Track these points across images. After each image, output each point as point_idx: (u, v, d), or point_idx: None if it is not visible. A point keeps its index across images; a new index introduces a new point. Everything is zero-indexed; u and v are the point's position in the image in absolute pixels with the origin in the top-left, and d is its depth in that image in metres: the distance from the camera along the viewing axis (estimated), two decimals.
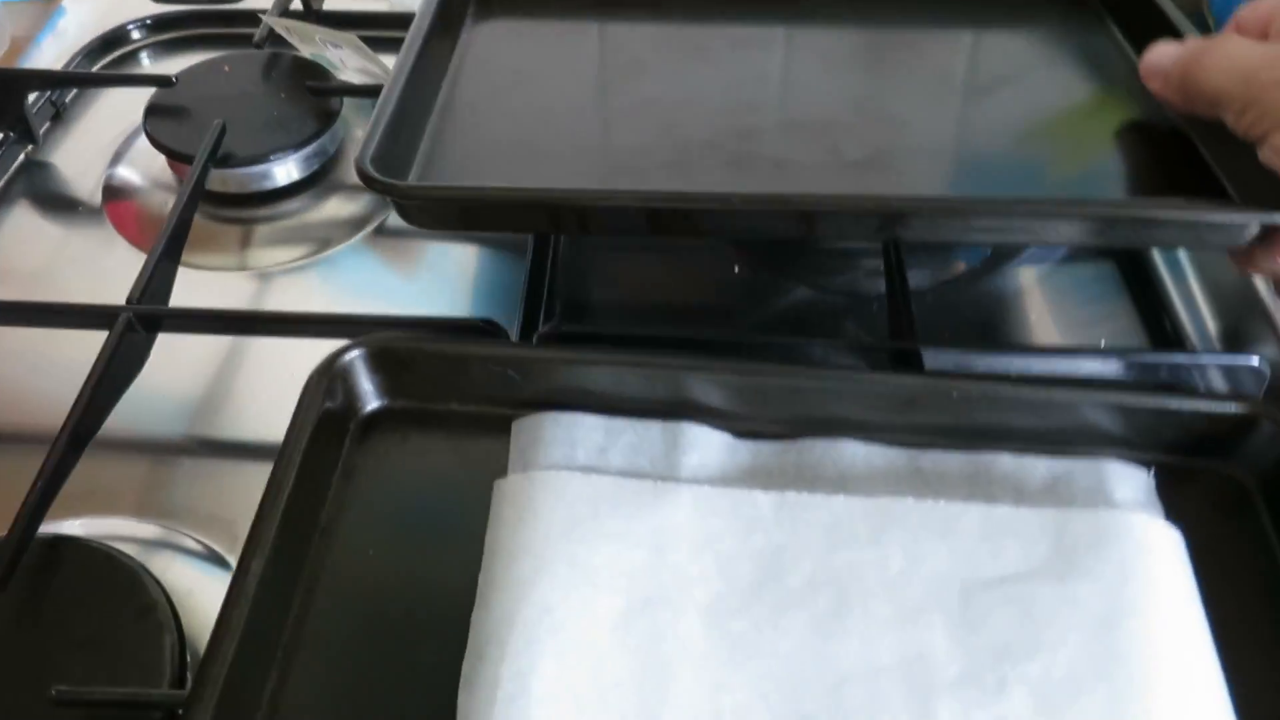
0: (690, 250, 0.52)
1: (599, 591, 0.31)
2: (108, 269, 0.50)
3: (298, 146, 0.52)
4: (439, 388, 0.37)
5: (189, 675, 0.34)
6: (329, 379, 0.35)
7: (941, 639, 0.31)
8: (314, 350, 0.38)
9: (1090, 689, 0.29)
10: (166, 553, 0.39)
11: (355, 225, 0.53)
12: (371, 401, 0.37)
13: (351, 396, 0.37)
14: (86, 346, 0.41)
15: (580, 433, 0.36)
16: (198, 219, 0.51)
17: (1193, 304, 0.48)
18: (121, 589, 0.35)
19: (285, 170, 0.53)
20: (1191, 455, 0.36)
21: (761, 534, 0.33)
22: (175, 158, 0.51)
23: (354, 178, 0.54)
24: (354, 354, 0.36)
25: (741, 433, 0.37)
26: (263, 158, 0.52)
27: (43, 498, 0.36)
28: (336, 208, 0.54)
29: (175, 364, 0.45)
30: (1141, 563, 0.32)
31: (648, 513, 0.33)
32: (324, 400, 0.35)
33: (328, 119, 0.53)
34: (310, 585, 0.33)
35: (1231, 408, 0.36)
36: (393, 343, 0.36)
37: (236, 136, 0.52)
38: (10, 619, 0.34)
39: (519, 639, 0.30)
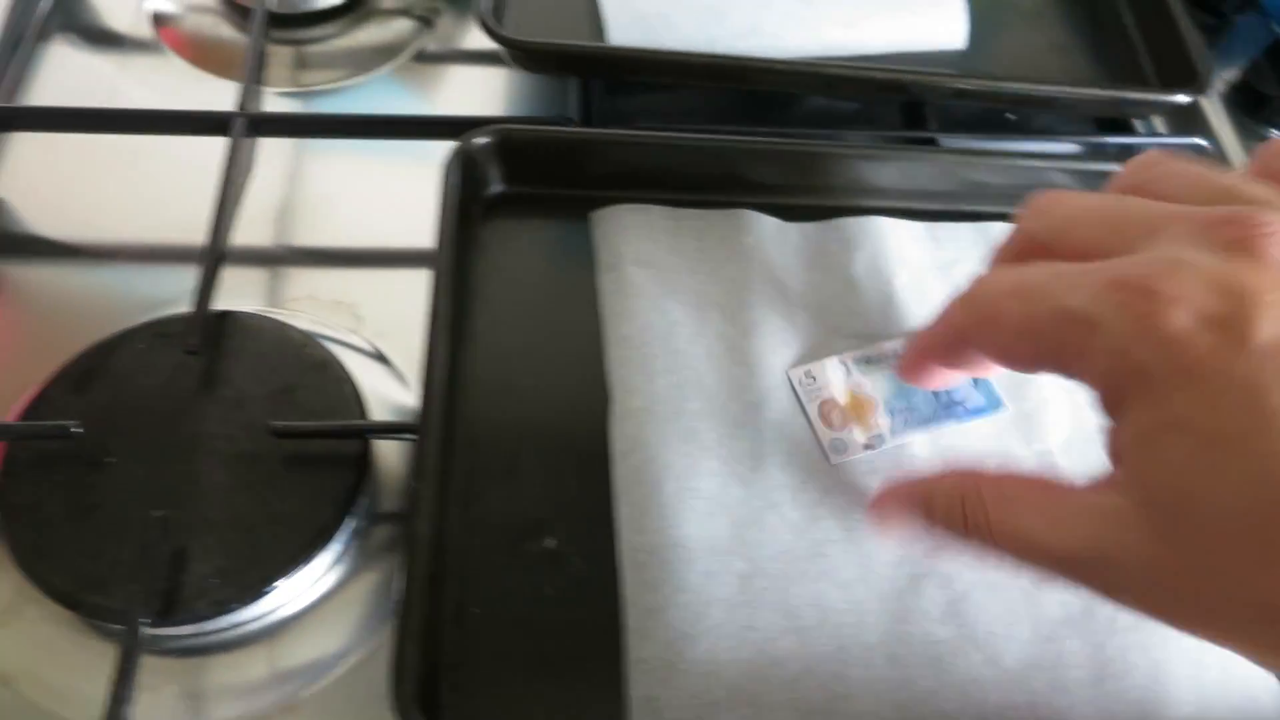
0: None
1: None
2: (175, 89, 0.53)
3: None
4: (548, 173, 0.44)
5: (373, 416, 0.40)
6: (463, 161, 0.41)
7: None
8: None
9: None
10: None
11: (392, 51, 0.57)
12: (494, 186, 0.43)
13: (477, 182, 0.43)
14: (189, 155, 0.46)
15: (654, 219, 0.43)
16: (230, 35, 0.55)
17: None
18: (295, 349, 0.41)
19: None
20: None
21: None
22: None
23: (391, 3, 0.58)
24: (483, 140, 0.42)
25: (788, 209, 0.44)
26: None
27: (209, 275, 0.41)
28: (374, 34, 0.58)
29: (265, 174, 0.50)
30: None
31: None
32: (460, 180, 0.41)
33: None
34: (473, 335, 0.39)
35: None
36: (515, 131, 0.42)
37: None
38: (212, 376, 0.40)
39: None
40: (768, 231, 0.44)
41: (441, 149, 0.49)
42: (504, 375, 0.39)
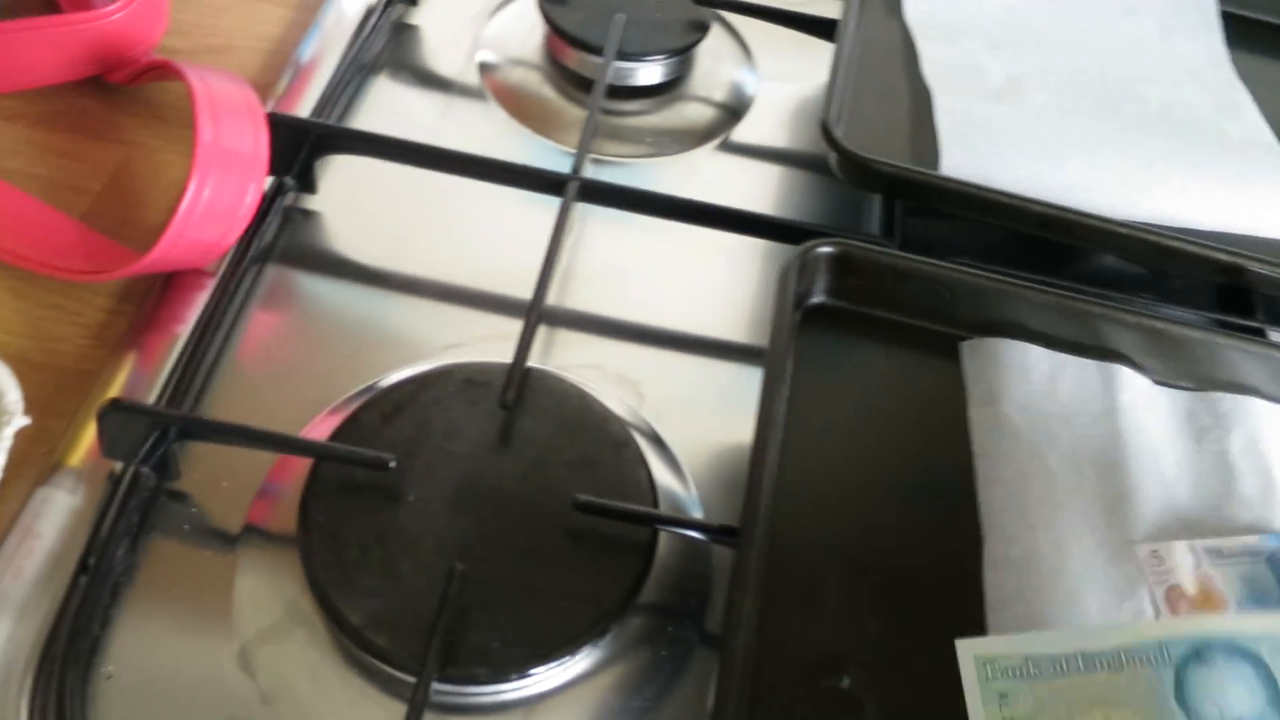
0: None
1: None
2: (492, 139, 0.55)
3: (675, 52, 0.56)
4: (872, 294, 0.43)
5: (659, 504, 0.39)
6: (802, 268, 0.40)
7: None
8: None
9: None
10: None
11: (695, 136, 0.57)
12: (816, 296, 0.42)
13: (803, 290, 0.42)
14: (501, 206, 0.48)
15: (1031, 361, 0.42)
16: (550, 95, 0.56)
17: None
18: (597, 421, 0.41)
19: (650, 71, 0.57)
20: None
21: None
22: (579, 46, 0.56)
23: (703, 92, 0.59)
24: (822, 250, 0.41)
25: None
26: (646, 55, 0.56)
27: (529, 331, 0.42)
28: (681, 116, 0.58)
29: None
30: None
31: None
32: (795, 287, 0.40)
33: (702, 30, 0.58)
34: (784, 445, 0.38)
35: None
36: (856, 249, 0.41)
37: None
38: (516, 432, 0.40)
39: None
40: (1141, 392, 0.42)
41: (731, 241, 0.49)
42: (811, 493, 0.37)
